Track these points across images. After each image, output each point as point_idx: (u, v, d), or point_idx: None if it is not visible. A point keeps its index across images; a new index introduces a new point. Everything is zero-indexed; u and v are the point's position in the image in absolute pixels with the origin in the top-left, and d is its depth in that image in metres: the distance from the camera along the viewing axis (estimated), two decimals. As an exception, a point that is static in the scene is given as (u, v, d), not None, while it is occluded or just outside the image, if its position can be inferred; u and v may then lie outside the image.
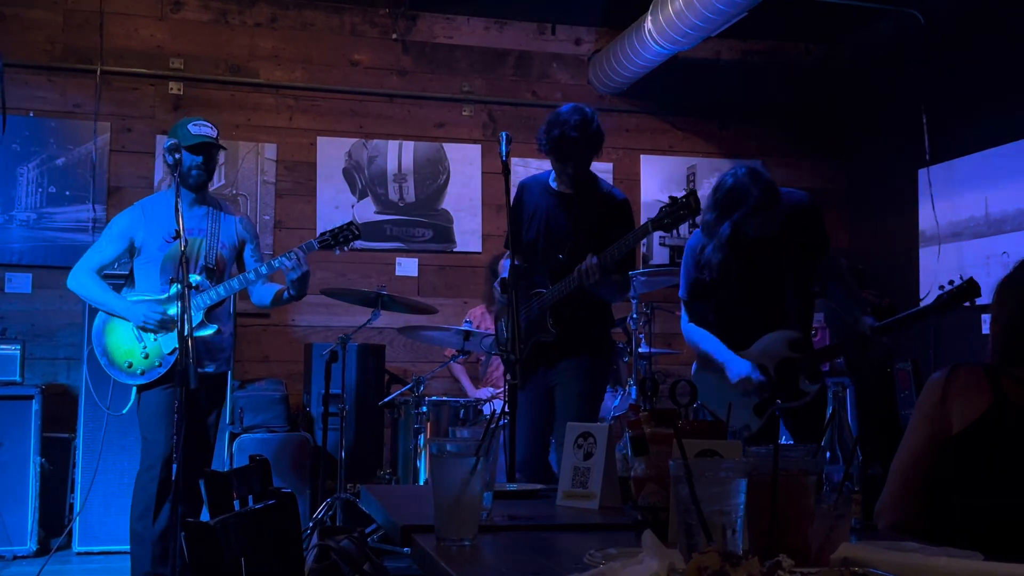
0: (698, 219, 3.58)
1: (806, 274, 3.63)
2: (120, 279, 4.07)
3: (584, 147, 3.69)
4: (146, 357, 3.86)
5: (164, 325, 3.84)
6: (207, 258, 3.93)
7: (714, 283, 3.58)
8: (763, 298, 3.58)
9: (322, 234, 4.09)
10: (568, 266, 3.64)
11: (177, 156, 3.83)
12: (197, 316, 3.80)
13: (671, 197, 3.50)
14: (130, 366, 3.87)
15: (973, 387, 1.90)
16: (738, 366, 3.52)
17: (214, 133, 3.98)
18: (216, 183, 5.88)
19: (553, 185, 3.87)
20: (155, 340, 3.86)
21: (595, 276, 3.52)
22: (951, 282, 3.40)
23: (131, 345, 3.88)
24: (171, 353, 3.81)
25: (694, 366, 3.75)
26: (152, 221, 3.96)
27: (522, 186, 4.01)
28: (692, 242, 3.67)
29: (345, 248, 4.06)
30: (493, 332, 5.32)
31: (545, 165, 6.31)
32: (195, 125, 3.95)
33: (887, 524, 1.89)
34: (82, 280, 3.95)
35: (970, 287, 3.34)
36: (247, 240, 4.11)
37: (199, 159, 3.88)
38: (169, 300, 3.87)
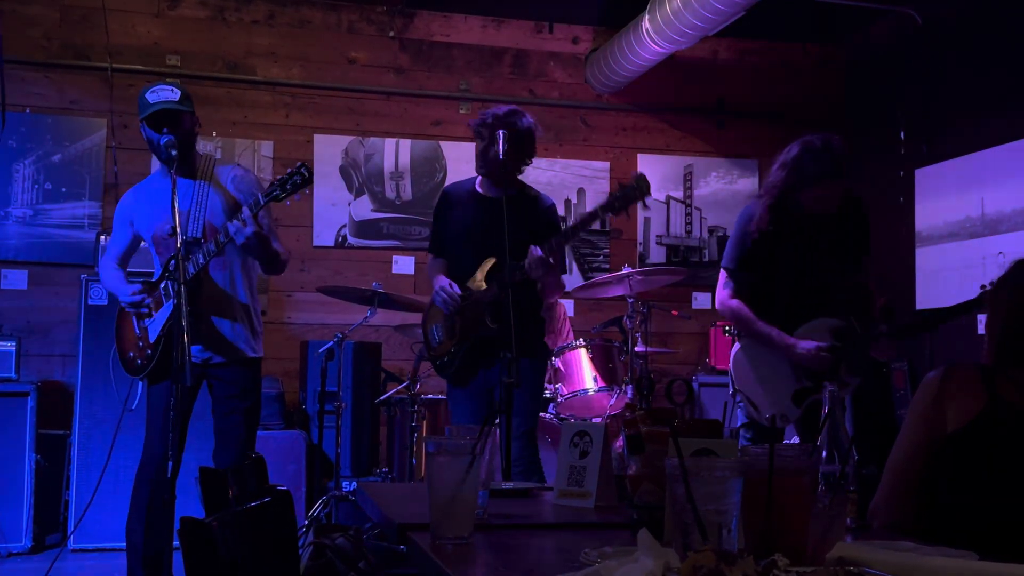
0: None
1: (854, 267, 3.61)
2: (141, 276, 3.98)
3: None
4: (140, 347, 3.68)
5: (138, 307, 3.64)
6: (191, 231, 3.54)
7: (767, 256, 3.53)
8: (814, 282, 3.54)
9: (270, 184, 3.52)
10: (501, 269, 3.59)
11: (145, 132, 3.52)
12: (171, 302, 3.54)
13: (620, 183, 3.53)
14: (131, 358, 3.72)
15: (968, 387, 1.90)
16: (805, 341, 3.46)
17: (175, 95, 3.51)
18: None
19: (479, 190, 3.87)
20: (145, 327, 3.66)
21: (541, 269, 3.52)
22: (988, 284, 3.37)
23: (132, 336, 3.73)
24: (156, 342, 3.61)
25: (736, 349, 3.62)
26: (144, 206, 3.73)
27: (445, 193, 4.01)
28: (749, 210, 3.61)
29: (297, 196, 3.50)
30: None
31: (542, 162, 6.31)
32: (152, 92, 3.51)
33: (882, 524, 1.89)
34: (101, 271, 3.86)
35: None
36: (242, 200, 3.61)
37: (164, 130, 3.45)
38: (156, 284, 3.67)
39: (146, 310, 3.66)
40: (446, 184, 3.99)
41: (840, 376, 3.45)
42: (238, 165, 3.96)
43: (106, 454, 4.91)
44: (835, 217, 3.55)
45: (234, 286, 3.69)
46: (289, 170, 3.52)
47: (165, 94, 3.50)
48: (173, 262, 3.48)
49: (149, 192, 3.77)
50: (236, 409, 3.65)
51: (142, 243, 3.82)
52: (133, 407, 4.37)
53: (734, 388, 3.61)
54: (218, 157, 5.91)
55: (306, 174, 3.48)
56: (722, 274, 3.64)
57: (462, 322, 3.76)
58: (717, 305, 3.70)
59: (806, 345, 3.45)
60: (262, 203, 3.46)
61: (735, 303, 3.57)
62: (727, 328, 6.03)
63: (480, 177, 3.89)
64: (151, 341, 3.64)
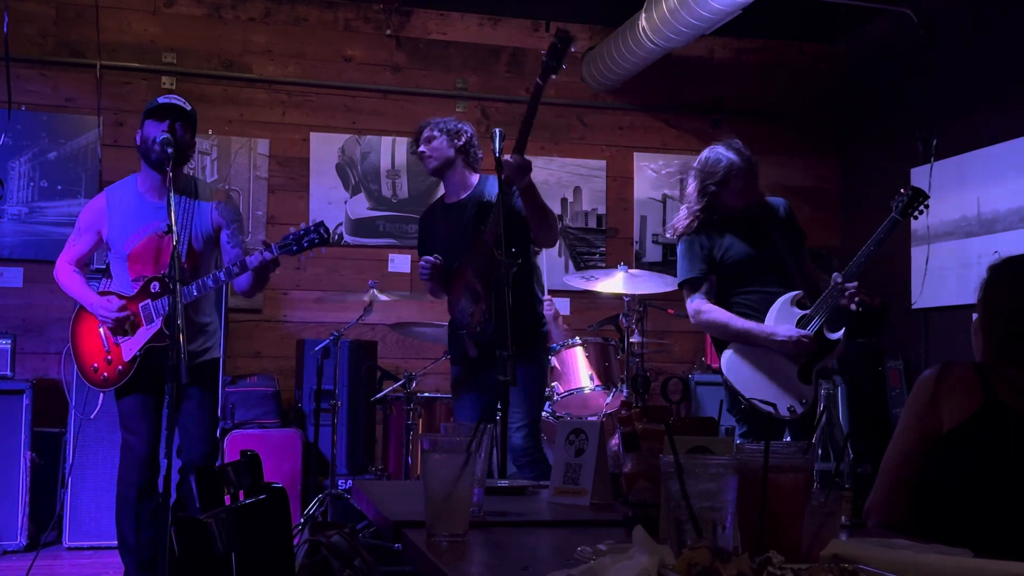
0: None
1: (801, 257, 3.73)
2: (98, 274, 3.97)
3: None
4: (109, 363, 3.61)
5: (121, 324, 3.57)
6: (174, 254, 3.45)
7: (716, 254, 3.62)
8: (770, 277, 3.63)
9: (284, 237, 3.58)
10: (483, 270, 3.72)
11: (143, 131, 3.56)
12: (155, 324, 3.55)
13: (545, 51, 3.58)
14: (95, 370, 3.64)
15: (964, 386, 1.91)
16: (785, 328, 3.51)
17: (188, 107, 3.62)
18: (209, 178, 5.87)
19: (447, 201, 4.02)
20: (117, 344, 3.60)
21: (521, 172, 3.64)
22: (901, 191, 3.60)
23: (96, 347, 3.64)
24: (132, 360, 3.57)
25: (727, 355, 3.61)
26: (116, 214, 3.69)
27: (421, 219, 4.20)
28: (682, 228, 3.75)
29: (311, 253, 3.56)
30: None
31: (539, 161, 6.31)
32: (165, 97, 3.64)
33: (877, 522, 1.90)
34: (59, 272, 3.75)
35: (917, 194, 3.54)
36: (223, 225, 3.70)
37: (164, 124, 3.50)
38: (134, 300, 3.61)
39: (128, 327, 3.60)
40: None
41: (824, 339, 3.51)
42: (220, 191, 4.03)
43: (101, 452, 4.91)
44: (760, 211, 3.68)
45: (203, 306, 3.73)
46: (305, 227, 3.57)
47: (176, 100, 3.62)
48: (156, 284, 3.56)
49: (125, 202, 3.71)
50: (192, 402, 3.64)
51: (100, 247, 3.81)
52: (92, 416, 4.38)
53: (742, 400, 3.53)
54: (213, 158, 5.91)
55: (324, 234, 3.53)
56: (685, 293, 3.69)
57: (468, 279, 3.79)
58: (692, 320, 3.69)
59: (785, 333, 3.49)
60: (276, 253, 3.50)
61: (707, 308, 3.61)
62: None
63: (443, 192, 4.08)
64: (125, 359, 3.60)
